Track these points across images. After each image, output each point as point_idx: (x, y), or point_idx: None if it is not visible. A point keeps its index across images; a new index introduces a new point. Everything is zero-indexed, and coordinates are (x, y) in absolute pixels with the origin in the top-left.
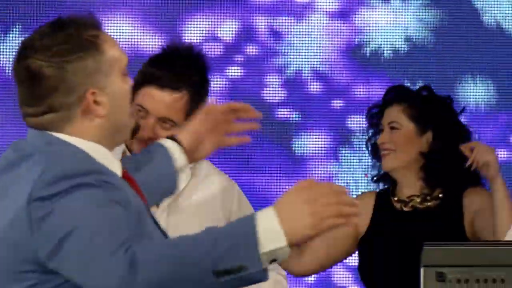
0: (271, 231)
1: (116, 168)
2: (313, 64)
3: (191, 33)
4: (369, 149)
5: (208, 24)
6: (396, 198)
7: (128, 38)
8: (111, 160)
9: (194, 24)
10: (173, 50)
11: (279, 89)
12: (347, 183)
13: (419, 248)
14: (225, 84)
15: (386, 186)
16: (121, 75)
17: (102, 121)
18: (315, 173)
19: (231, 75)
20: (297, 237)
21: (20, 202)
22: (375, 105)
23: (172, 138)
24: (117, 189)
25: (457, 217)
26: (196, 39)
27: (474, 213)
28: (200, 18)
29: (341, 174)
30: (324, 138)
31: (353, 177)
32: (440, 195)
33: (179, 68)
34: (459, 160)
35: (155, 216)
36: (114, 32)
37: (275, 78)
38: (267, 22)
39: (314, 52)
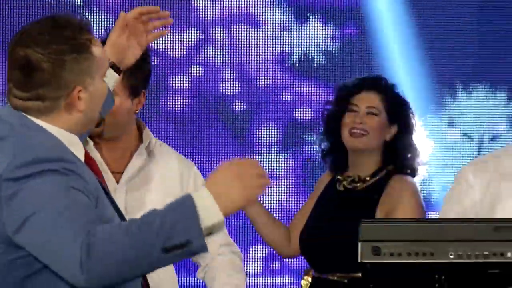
0: (208, 208)
1: (81, 154)
2: (262, 65)
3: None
4: (330, 123)
5: (173, 31)
6: (338, 177)
7: None
8: (78, 147)
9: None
10: None
11: (235, 84)
12: (292, 166)
13: (343, 224)
14: (189, 80)
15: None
16: (102, 76)
17: (80, 115)
18: (265, 157)
19: (193, 74)
20: (232, 209)
21: None
22: (353, 84)
23: None
24: (80, 178)
25: (374, 202)
26: (163, 44)
27: (390, 203)
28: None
29: (289, 159)
30: (273, 127)
31: (298, 161)
32: (368, 178)
33: None
34: (408, 153)
35: (114, 195)
36: None
37: (231, 76)
38: (224, 30)
39: (263, 56)
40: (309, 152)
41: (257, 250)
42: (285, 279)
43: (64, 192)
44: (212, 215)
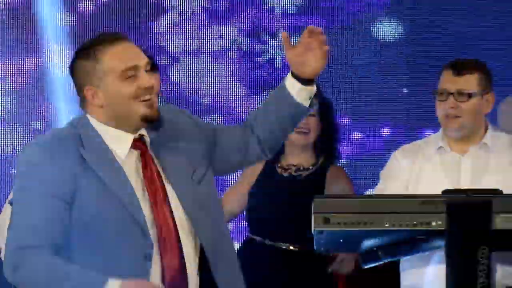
0: None
1: (121, 148)
2: (232, 75)
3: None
4: None
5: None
6: (279, 165)
7: None
8: (119, 142)
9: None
10: None
11: (212, 92)
12: None
13: (290, 202)
14: (171, 86)
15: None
16: (119, 79)
17: (101, 110)
18: None
19: (176, 80)
20: None
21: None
22: None
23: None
24: (64, 183)
25: (320, 186)
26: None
27: (332, 185)
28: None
29: None
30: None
31: None
32: (310, 167)
33: None
34: (335, 145)
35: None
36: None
37: (208, 84)
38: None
39: (233, 67)
40: None
41: None
42: None
43: (34, 199)
44: None
